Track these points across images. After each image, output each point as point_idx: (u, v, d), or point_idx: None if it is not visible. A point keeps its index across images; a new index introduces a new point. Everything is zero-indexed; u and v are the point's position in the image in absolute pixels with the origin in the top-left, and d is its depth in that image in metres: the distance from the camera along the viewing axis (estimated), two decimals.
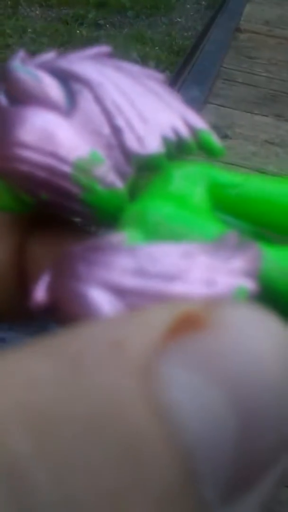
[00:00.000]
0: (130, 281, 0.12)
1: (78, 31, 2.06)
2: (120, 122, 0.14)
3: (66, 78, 0.15)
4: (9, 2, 2.13)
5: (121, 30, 2.09)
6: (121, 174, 0.14)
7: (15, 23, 2.06)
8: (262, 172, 1.15)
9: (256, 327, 0.09)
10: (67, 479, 0.07)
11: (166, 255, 0.12)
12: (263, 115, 1.35)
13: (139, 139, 0.14)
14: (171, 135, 0.15)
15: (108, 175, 0.14)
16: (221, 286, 0.12)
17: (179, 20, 2.15)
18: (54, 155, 0.14)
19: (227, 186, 0.15)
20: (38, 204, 0.15)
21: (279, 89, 1.45)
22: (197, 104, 1.30)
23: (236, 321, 0.09)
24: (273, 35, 1.67)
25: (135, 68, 0.15)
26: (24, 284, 0.15)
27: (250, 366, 0.08)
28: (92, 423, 0.07)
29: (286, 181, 0.15)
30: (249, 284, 0.12)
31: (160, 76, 0.16)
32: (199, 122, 0.15)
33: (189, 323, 0.08)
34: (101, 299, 0.12)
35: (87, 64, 0.15)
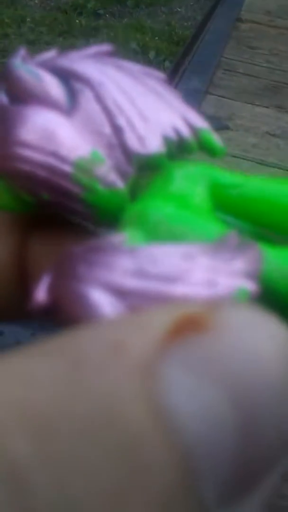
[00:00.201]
0: (131, 282, 0.12)
1: (77, 21, 2.04)
2: (121, 121, 0.14)
3: (67, 77, 0.15)
4: None
5: (121, 19, 2.08)
6: (122, 174, 0.14)
7: (13, 12, 2.05)
8: (262, 164, 1.15)
9: (257, 328, 0.09)
10: (67, 479, 0.07)
11: (167, 256, 0.12)
12: (264, 106, 1.33)
13: (140, 138, 0.14)
14: (172, 135, 0.15)
15: (109, 175, 0.14)
16: (222, 287, 0.12)
17: (179, 9, 2.14)
18: (55, 154, 0.14)
19: (228, 186, 0.15)
20: (39, 204, 0.15)
21: (281, 80, 1.44)
22: (197, 95, 1.29)
23: (237, 322, 0.09)
24: (274, 25, 1.66)
25: (136, 67, 0.15)
26: (24, 283, 0.15)
27: (250, 366, 0.08)
28: (92, 424, 0.07)
29: (287, 181, 0.15)
30: (250, 285, 0.12)
31: (160, 75, 0.15)
32: (200, 122, 0.15)
33: (190, 324, 0.08)
34: (102, 300, 0.12)
35: (88, 63, 0.15)
